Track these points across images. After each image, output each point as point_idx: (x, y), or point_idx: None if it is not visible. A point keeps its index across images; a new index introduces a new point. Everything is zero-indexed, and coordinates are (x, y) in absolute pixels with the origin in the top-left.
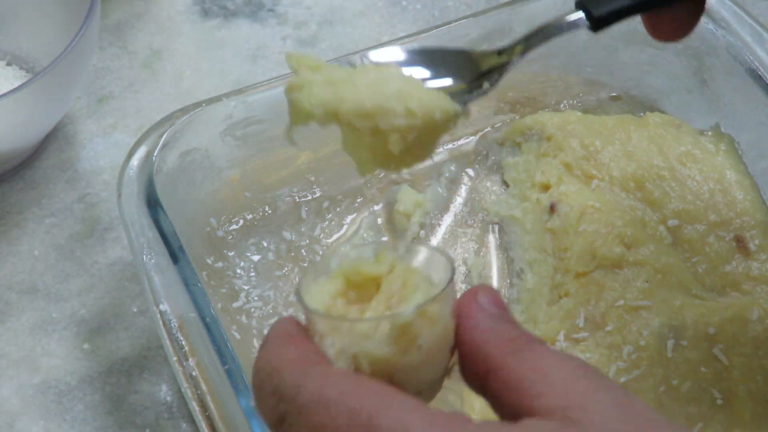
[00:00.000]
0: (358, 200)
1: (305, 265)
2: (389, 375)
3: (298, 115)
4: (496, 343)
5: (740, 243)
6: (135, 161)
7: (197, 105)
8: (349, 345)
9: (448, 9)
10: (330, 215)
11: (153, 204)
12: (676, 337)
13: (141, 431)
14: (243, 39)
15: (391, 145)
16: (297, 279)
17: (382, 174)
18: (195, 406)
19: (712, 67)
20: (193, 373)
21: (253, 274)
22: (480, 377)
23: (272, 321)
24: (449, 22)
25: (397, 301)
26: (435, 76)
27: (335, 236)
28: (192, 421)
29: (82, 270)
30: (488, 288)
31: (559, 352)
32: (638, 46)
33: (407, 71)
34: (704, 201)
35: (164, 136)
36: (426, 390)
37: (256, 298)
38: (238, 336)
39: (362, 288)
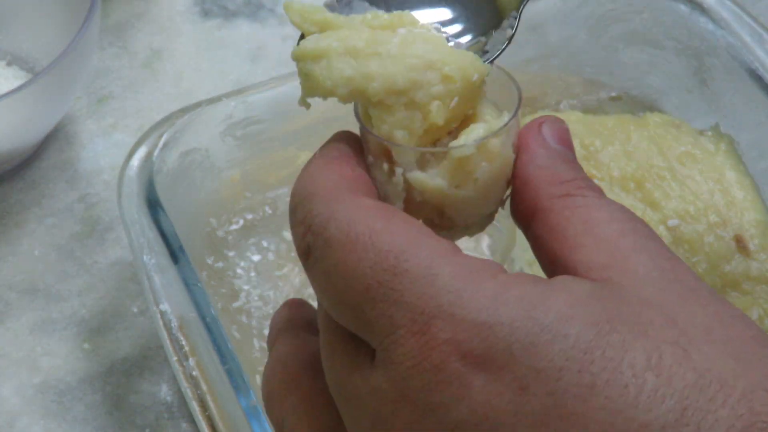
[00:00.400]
0: None
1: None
2: (440, 206)
3: (314, 90)
4: (548, 183)
5: (740, 243)
6: (135, 161)
7: (197, 105)
8: (403, 171)
9: None
10: None
11: (153, 204)
12: None
13: (141, 431)
14: (243, 39)
15: (434, 116)
16: (297, 279)
17: None
18: (195, 406)
19: (712, 67)
20: (193, 373)
21: (253, 274)
22: (526, 217)
23: None
24: None
25: (457, 129)
26: (453, 20)
27: None
28: (192, 421)
29: (82, 270)
30: (556, 120)
31: (613, 203)
32: (638, 46)
33: (420, 15)
34: (704, 201)
35: (164, 136)
36: (475, 223)
37: (256, 298)
38: (238, 336)
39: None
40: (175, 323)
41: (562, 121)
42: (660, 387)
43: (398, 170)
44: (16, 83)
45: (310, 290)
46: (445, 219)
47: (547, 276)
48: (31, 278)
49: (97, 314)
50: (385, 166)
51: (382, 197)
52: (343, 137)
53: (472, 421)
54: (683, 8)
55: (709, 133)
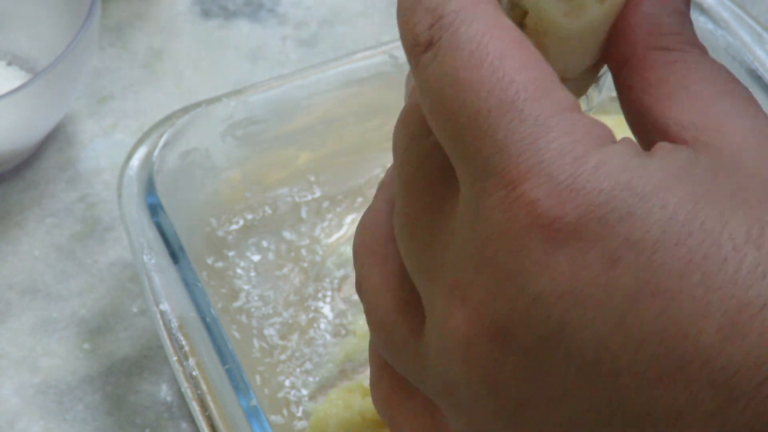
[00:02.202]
0: (358, 200)
1: (305, 265)
2: (543, 37)
3: None
4: (649, 32)
5: None
6: (135, 161)
7: (197, 105)
8: None
9: None
10: (330, 215)
11: (153, 204)
12: None
13: (141, 431)
14: (243, 39)
15: None
16: (297, 279)
17: (382, 174)
18: (195, 406)
19: None
20: (193, 373)
21: (253, 274)
22: (618, 63)
23: (272, 321)
24: None
25: None
26: None
27: (335, 236)
28: (192, 421)
29: (82, 270)
30: None
31: (715, 62)
32: None
33: None
34: None
35: (164, 136)
36: (575, 79)
37: (256, 298)
38: (238, 336)
39: None
40: (175, 323)
41: None
42: (762, 262)
43: None
44: (16, 83)
45: (309, 290)
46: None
47: (631, 128)
48: (31, 278)
49: (97, 314)
50: None
51: None
52: None
53: (556, 293)
54: (683, 8)
55: None
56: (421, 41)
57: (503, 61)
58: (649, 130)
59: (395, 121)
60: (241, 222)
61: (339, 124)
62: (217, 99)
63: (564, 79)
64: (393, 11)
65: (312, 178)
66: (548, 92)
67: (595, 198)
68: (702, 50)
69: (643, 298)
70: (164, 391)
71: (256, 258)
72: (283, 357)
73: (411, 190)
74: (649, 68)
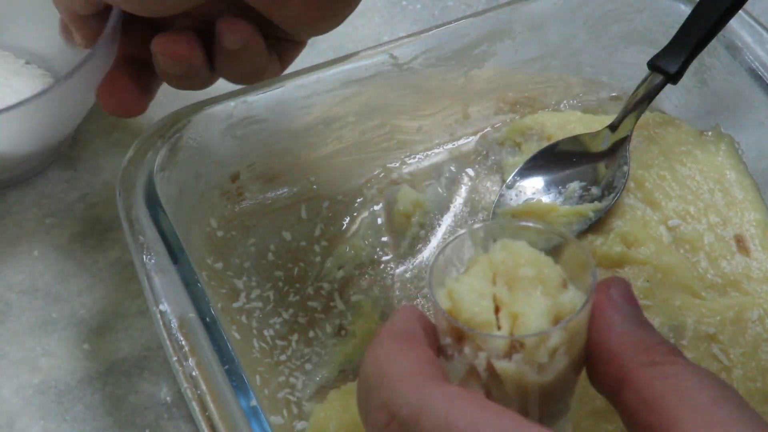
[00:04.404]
0: (358, 200)
1: (305, 265)
2: (524, 393)
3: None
4: (633, 352)
5: (740, 243)
6: (135, 161)
7: (197, 105)
8: (487, 360)
9: (448, 9)
10: (330, 215)
11: (153, 204)
12: (676, 337)
13: (141, 431)
14: None
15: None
16: (297, 279)
17: (382, 174)
18: (195, 406)
19: (712, 67)
20: (193, 373)
21: (253, 274)
22: (613, 386)
23: (272, 321)
24: (449, 22)
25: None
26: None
27: (335, 236)
28: (192, 421)
29: (82, 270)
30: (620, 281)
31: (697, 367)
32: (638, 46)
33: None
34: (704, 201)
35: (164, 136)
36: (561, 409)
37: (256, 298)
38: (238, 336)
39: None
40: (175, 323)
41: (624, 280)
42: None
43: (481, 355)
44: (36, 81)
45: (309, 290)
46: (530, 403)
47: None
48: (31, 278)
49: (97, 314)
50: (467, 350)
51: (453, 380)
52: (408, 314)
53: None
54: (683, 8)
55: (709, 133)
56: None
57: (479, 427)
58: None
59: (395, 120)
60: (241, 222)
61: (339, 124)
62: (217, 99)
63: (551, 415)
64: (393, 11)
65: (312, 178)
66: None
67: None
68: (683, 357)
69: None
70: (164, 391)
71: (255, 258)
72: (283, 357)
73: None
74: (645, 387)
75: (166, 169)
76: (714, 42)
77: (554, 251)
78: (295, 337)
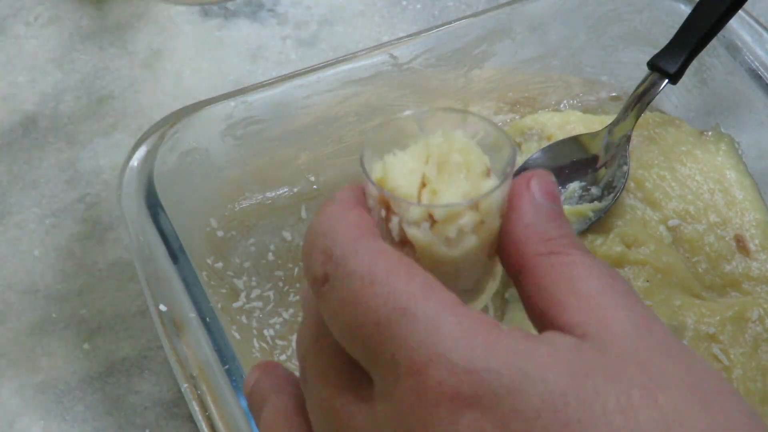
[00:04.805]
0: None
1: None
2: (435, 265)
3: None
4: (533, 242)
5: (740, 243)
6: (135, 161)
7: (197, 105)
8: (399, 221)
9: (448, 9)
10: None
11: (153, 204)
12: None
13: (141, 431)
14: (243, 39)
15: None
16: (297, 279)
17: None
18: (195, 406)
19: (712, 67)
20: (193, 373)
21: (253, 274)
22: (514, 272)
23: (272, 321)
24: (449, 22)
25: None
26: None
27: None
28: (192, 421)
29: (82, 270)
30: (544, 174)
31: (595, 260)
32: (638, 46)
33: None
34: (704, 201)
35: (164, 136)
36: (472, 288)
37: (256, 298)
38: (238, 336)
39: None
40: (175, 323)
41: (549, 174)
42: (626, 425)
43: (395, 219)
44: None
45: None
46: (442, 278)
47: (536, 326)
48: (31, 278)
49: (96, 314)
50: (386, 216)
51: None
52: (352, 188)
53: None
54: (683, 8)
55: (709, 133)
56: (319, 276)
57: (391, 278)
58: (548, 328)
59: (395, 120)
60: (241, 222)
61: (339, 124)
62: (217, 99)
63: (465, 290)
64: (393, 11)
65: (312, 178)
66: (434, 294)
67: (487, 377)
68: (582, 249)
69: None
70: (164, 392)
71: (256, 258)
72: (283, 357)
73: (324, 379)
74: (540, 274)
75: (166, 169)
76: (714, 42)
77: (494, 145)
78: (295, 337)
